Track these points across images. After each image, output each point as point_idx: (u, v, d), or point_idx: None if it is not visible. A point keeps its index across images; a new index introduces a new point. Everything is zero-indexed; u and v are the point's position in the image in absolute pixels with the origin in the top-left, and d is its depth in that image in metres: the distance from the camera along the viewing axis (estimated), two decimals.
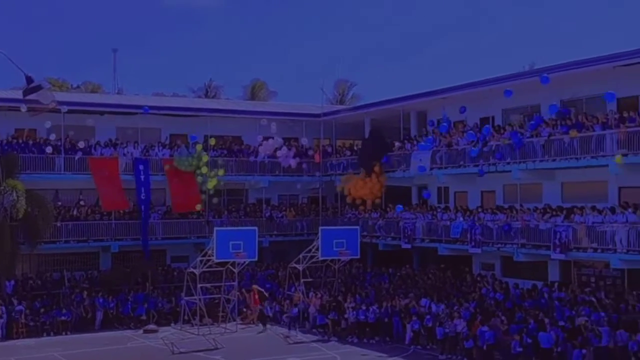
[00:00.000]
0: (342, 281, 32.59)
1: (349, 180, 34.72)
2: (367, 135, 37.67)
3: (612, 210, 24.92)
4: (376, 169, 33.75)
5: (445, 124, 31.50)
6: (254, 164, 37.23)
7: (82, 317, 30.39)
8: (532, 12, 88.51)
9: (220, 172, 34.21)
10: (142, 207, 34.43)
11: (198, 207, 34.68)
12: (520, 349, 22.43)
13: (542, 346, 22.36)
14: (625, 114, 24.72)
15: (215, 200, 35.28)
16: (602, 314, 23.03)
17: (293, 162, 35.97)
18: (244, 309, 31.61)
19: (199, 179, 34.40)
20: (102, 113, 36.11)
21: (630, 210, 24.16)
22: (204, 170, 34.29)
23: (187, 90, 65.91)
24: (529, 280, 28.63)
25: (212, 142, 35.40)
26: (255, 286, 31.58)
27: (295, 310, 30.45)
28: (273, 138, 36.39)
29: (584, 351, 21.57)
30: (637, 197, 25.10)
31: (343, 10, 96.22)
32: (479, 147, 29.42)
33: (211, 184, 34.01)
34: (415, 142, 33.86)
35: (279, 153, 36.10)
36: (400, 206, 32.32)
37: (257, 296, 31.03)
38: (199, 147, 34.92)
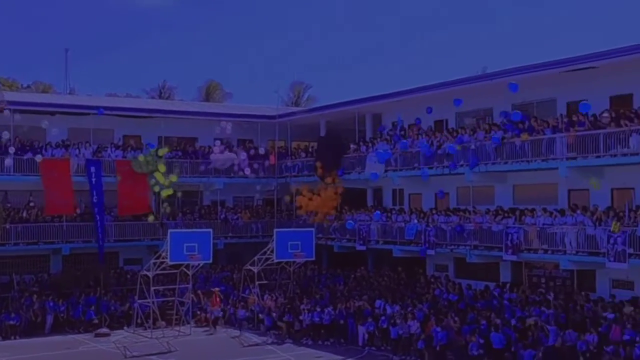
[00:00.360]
0: (297, 283, 32.66)
1: (303, 190, 34.64)
2: (323, 135, 37.90)
3: (562, 212, 25.52)
4: (328, 179, 33.66)
5: (405, 141, 31.55)
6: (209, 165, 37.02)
7: (32, 321, 29.82)
8: (485, 17, 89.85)
9: (174, 178, 33.81)
10: (95, 209, 33.95)
11: (151, 218, 34.17)
12: (481, 351, 22.68)
13: (494, 346, 22.76)
14: (575, 118, 25.33)
15: (168, 209, 34.81)
16: (551, 312, 23.58)
17: (248, 171, 35.77)
18: (198, 312, 31.44)
19: (155, 188, 33.85)
20: (53, 113, 35.45)
21: (579, 212, 24.77)
22: (160, 177, 33.79)
23: (141, 91, 65.33)
24: (481, 281, 29.11)
25: (166, 150, 34.97)
26: (216, 289, 31.42)
27: (243, 312, 30.49)
28: (228, 141, 36.24)
29: (534, 352, 22.00)
30: (585, 200, 25.78)
31: (300, 11, 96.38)
32: (432, 150, 29.85)
33: (165, 194, 33.55)
34: (370, 145, 34.14)
35: (235, 161, 35.94)
36: (352, 222, 31.86)
37: (218, 299, 30.90)
38: (152, 151, 34.62)
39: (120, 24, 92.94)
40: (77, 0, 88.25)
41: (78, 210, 34.22)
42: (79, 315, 30.40)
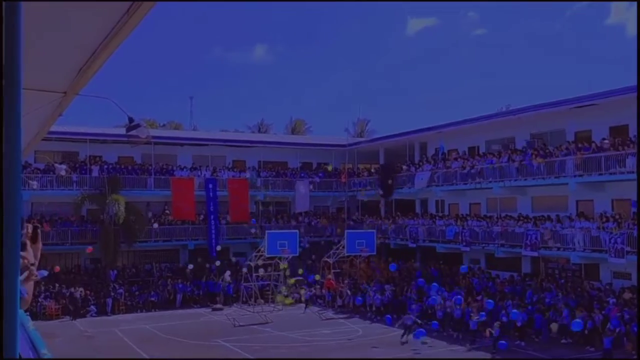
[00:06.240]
0: (364, 271, 32.42)
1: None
2: (382, 162, 37.80)
3: (570, 219, 24.64)
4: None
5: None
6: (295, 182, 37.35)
7: (167, 298, 30.76)
8: (503, 60, 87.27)
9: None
10: (211, 216, 34.68)
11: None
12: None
13: (518, 325, 22.00)
14: (580, 145, 24.49)
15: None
16: (572, 301, 22.64)
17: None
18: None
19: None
20: (182, 144, 36.68)
21: (582, 219, 23.85)
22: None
23: (245, 127, 66.56)
24: (506, 271, 28.32)
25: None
26: (330, 275, 30.82)
27: (309, 292, 30.83)
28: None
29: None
30: (590, 208, 24.82)
31: (359, 62, 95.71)
32: (467, 170, 29.32)
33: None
34: (418, 167, 33.82)
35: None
36: (394, 265, 29.97)
37: (332, 281, 30.57)
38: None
39: (234, 77, 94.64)
40: (203, 61, 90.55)
41: (200, 217, 34.95)
42: (201, 294, 31.11)
